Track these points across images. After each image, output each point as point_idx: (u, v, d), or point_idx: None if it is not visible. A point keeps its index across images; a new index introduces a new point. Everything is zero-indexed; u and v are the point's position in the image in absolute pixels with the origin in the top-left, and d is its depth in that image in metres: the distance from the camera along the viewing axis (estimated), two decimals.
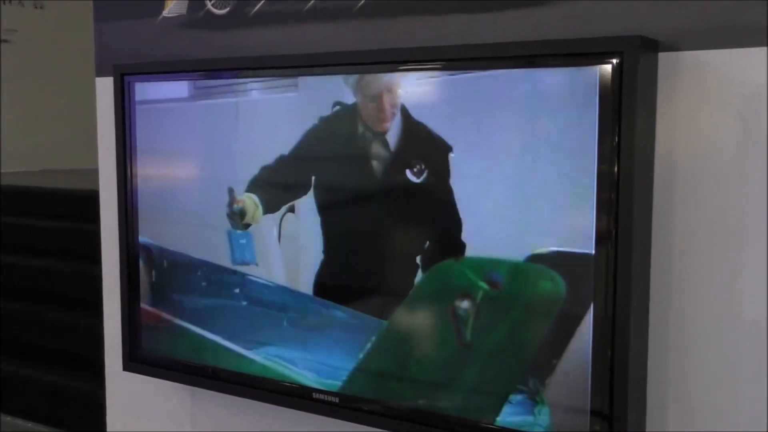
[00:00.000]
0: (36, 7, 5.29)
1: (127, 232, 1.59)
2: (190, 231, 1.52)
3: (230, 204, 1.44)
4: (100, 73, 1.73)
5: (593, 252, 1.11)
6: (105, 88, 1.68)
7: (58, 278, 3.38)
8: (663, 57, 1.12)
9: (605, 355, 1.10)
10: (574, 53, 1.11)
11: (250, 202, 1.42)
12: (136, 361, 1.61)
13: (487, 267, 1.20)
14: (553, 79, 1.13)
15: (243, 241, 1.44)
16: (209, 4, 1.54)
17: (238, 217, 1.43)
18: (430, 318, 1.28)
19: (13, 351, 3.18)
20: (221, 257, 1.47)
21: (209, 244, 1.49)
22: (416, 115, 1.25)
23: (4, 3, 5.10)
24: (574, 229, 1.13)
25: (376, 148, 1.29)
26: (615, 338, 1.10)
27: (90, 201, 1.93)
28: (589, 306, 1.12)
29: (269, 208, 1.41)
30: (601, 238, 1.10)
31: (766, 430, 1.10)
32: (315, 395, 1.37)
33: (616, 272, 1.09)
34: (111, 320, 1.79)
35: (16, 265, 3.50)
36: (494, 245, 1.20)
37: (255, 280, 1.45)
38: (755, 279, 1.09)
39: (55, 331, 3.18)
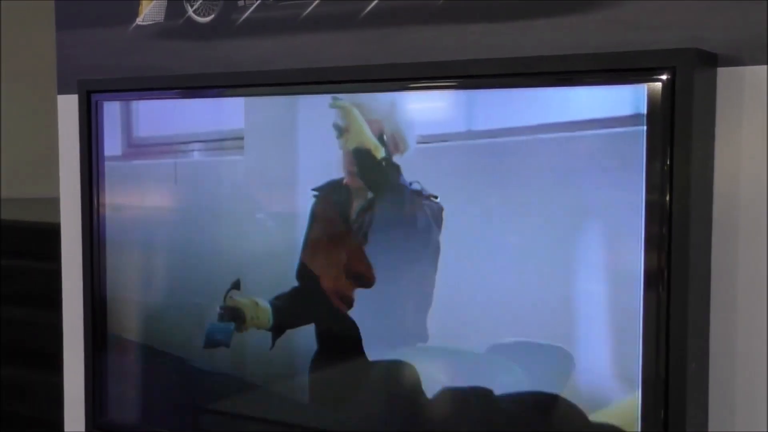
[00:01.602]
0: None
1: (92, 273, 1.58)
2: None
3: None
4: (63, 89, 1.72)
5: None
6: (68, 107, 1.67)
7: (11, 327, 3.36)
8: (722, 72, 1.11)
9: (657, 419, 1.08)
10: (616, 69, 1.11)
11: (250, 303, 1.43)
12: (101, 428, 1.59)
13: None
14: (590, 99, 1.13)
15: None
16: (190, 11, 1.54)
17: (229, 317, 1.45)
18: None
19: None
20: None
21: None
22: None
23: None
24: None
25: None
26: (669, 404, 1.08)
27: (50, 235, 1.92)
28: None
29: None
30: (651, 282, 1.08)
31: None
32: None
33: (668, 322, 1.07)
34: (72, 378, 1.76)
35: None
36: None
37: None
38: None
39: (5, 389, 3.17)
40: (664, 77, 1.06)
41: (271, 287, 1.40)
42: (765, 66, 1.09)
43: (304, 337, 1.37)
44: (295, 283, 1.37)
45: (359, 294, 1.32)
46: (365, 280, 1.30)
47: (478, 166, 1.23)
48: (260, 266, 1.42)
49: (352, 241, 1.31)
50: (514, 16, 1.24)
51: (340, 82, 1.33)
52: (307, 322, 1.37)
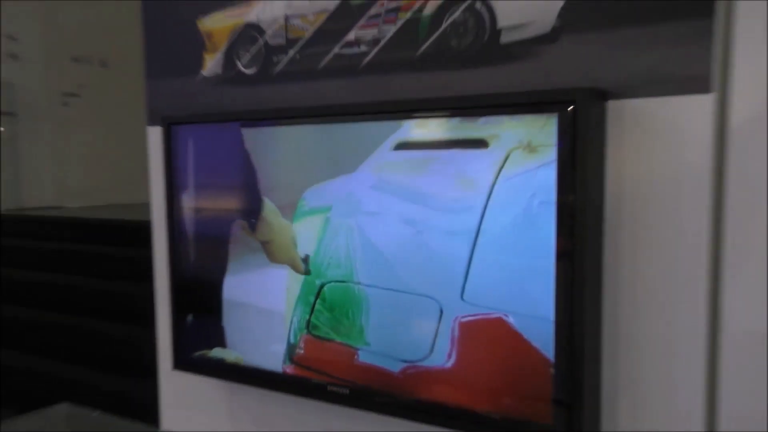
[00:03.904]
0: (101, 66, 5.57)
1: (173, 257, 1.69)
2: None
3: None
4: (151, 122, 1.81)
5: None
6: (155, 135, 1.79)
7: (119, 297, 3.64)
8: (611, 104, 1.19)
9: (567, 352, 1.18)
10: (533, 102, 1.17)
11: None
12: (182, 363, 1.71)
13: None
14: (512, 128, 1.20)
15: None
16: (240, 65, 1.61)
17: None
18: None
19: (80, 359, 3.40)
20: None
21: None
22: None
23: (76, 62, 5.39)
24: None
25: None
26: (574, 339, 1.17)
27: (144, 230, 2.00)
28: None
29: None
30: (561, 255, 1.17)
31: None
32: (329, 388, 1.47)
33: (573, 282, 1.16)
34: (163, 330, 1.90)
35: (81, 287, 3.82)
36: None
37: None
38: (688, 285, 1.17)
39: (116, 341, 3.39)
40: (568, 109, 1.13)
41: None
42: (642, 99, 1.15)
43: None
44: None
45: None
46: None
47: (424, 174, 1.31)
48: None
49: None
50: (463, 66, 1.32)
51: (347, 115, 1.37)
52: None
